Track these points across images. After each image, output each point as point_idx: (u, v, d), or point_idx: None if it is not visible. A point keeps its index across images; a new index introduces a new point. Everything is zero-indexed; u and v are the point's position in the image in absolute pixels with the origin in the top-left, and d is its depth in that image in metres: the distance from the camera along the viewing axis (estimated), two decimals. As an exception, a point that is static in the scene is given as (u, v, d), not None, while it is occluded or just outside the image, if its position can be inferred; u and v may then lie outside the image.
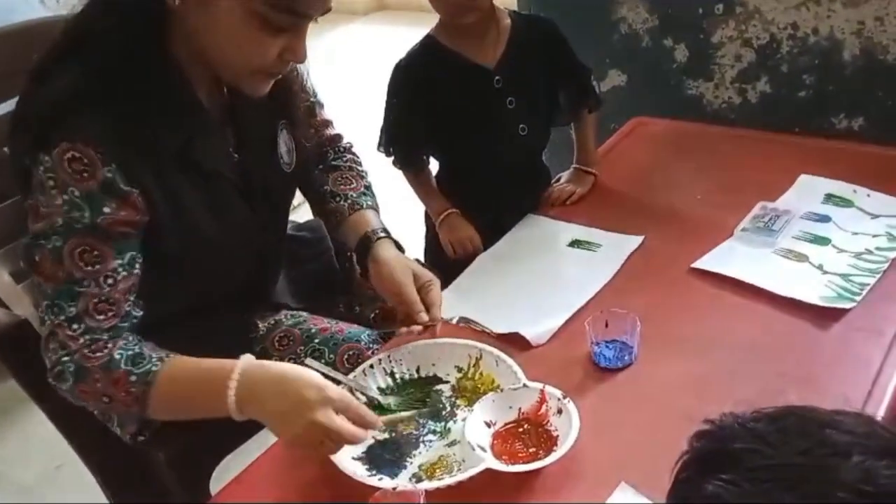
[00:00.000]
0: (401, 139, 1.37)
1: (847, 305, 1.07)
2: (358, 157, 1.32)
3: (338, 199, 1.23)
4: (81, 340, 0.93)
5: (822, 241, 1.21)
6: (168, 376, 0.94)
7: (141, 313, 1.00)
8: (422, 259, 1.48)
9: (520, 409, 0.97)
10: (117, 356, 0.94)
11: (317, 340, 1.17)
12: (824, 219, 1.25)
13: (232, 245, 1.08)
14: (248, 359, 0.93)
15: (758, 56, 1.69)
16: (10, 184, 1.02)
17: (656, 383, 1.01)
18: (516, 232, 1.37)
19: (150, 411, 0.96)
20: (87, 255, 0.93)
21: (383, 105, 1.38)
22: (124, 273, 0.96)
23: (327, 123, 1.30)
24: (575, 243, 1.30)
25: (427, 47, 1.34)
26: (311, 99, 1.25)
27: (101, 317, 0.94)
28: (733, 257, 1.20)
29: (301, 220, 1.41)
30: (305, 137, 1.20)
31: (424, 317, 1.09)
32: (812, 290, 1.10)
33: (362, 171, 1.30)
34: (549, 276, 1.24)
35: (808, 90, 1.67)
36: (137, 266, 0.98)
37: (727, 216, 1.29)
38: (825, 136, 1.61)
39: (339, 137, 1.32)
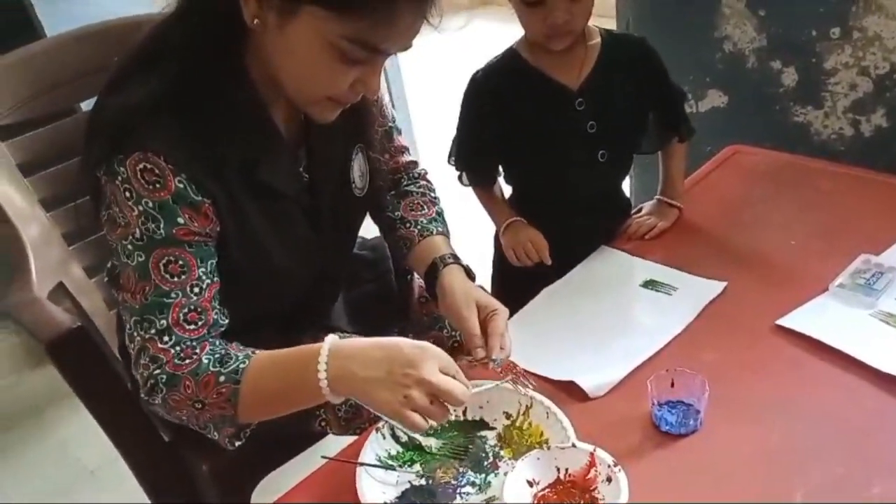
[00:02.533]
0: (470, 154, 1.31)
1: (949, 385, 0.94)
2: (431, 185, 1.28)
3: (408, 224, 1.20)
4: (172, 352, 0.93)
5: (934, 306, 1.07)
6: (255, 371, 0.92)
7: (227, 320, 0.99)
8: (488, 285, 1.43)
9: (566, 470, 0.90)
10: (205, 360, 0.93)
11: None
12: (937, 280, 1.12)
13: (293, 265, 1.06)
14: (333, 337, 0.90)
15: (875, 86, 1.54)
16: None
17: (722, 454, 0.92)
18: (587, 265, 1.28)
19: (242, 410, 0.93)
20: (171, 266, 0.92)
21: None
22: (208, 281, 0.95)
23: (403, 149, 1.27)
24: (649, 284, 1.21)
25: (508, 61, 1.27)
26: (390, 124, 1.22)
27: (192, 326, 0.94)
28: (825, 317, 1.08)
29: (368, 237, 1.38)
30: (381, 162, 1.17)
31: (481, 352, 1.03)
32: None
33: (434, 198, 1.26)
34: (616, 319, 1.15)
35: (930, 128, 1.51)
36: (217, 274, 0.97)
37: (823, 267, 1.16)
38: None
39: (413, 164, 1.29)
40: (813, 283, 1.14)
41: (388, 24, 0.85)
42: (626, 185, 1.84)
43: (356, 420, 1.13)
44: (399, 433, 0.99)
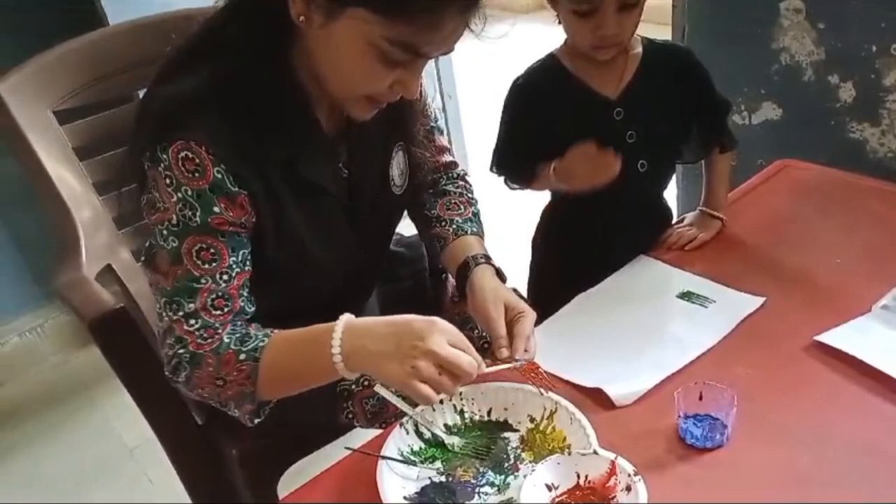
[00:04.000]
0: (514, 159, 1.30)
1: None
2: (470, 185, 1.29)
3: (443, 223, 1.21)
4: (197, 333, 0.96)
5: (979, 333, 1.03)
6: (274, 348, 0.95)
7: (254, 309, 1.02)
8: (524, 289, 1.43)
9: (586, 476, 0.89)
10: (226, 339, 0.96)
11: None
12: (984, 306, 1.07)
13: (330, 259, 1.08)
14: (348, 316, 0.94)
15: (936, 105, 1.49)
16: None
17: (747, 472, 0.90)
18: (624, 273, 1.27)
19: (261, 387, 0.96)
20: (203, 253, 0.95)
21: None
22: (238, 270, 0.98)
23: (443, 150, 1.28)
24: (686, 295, 1.19)
25: (547, 68, 1.26)
26: (431, 124, 1.23)
27: (218, 312, 0.97)
28: (866, 337, 1.05)
29: (406, 234, 1.39)
30: (423, 160, 1.18)
31: (505, 352, 1.03)
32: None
33: (472, 199, 1.27)
34: (649, 328, 1.13)
35: None
36: (248, 264, 1.00)
37: (867, 288, 1.13)
38: None
39: (453, 164, 1.30)
40: (856, 304, 1.11)
41: (432, 30, 0.87)
42: (671, 195, 1.82)
43: (383, 414, 1.14)
44: (422, 429, 1.00)
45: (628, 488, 0.86)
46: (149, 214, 0.98)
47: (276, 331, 0.98)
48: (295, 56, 0.97)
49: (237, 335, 0.97)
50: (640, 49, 1.25)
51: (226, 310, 0.97)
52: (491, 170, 1.33)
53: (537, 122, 1.26)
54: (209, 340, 0.96)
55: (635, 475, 0.85)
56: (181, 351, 0.96)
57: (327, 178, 1.05)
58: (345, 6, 0.86)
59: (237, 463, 1.21)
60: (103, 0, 2.00)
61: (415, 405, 1.03)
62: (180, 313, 0.96)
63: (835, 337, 1.05)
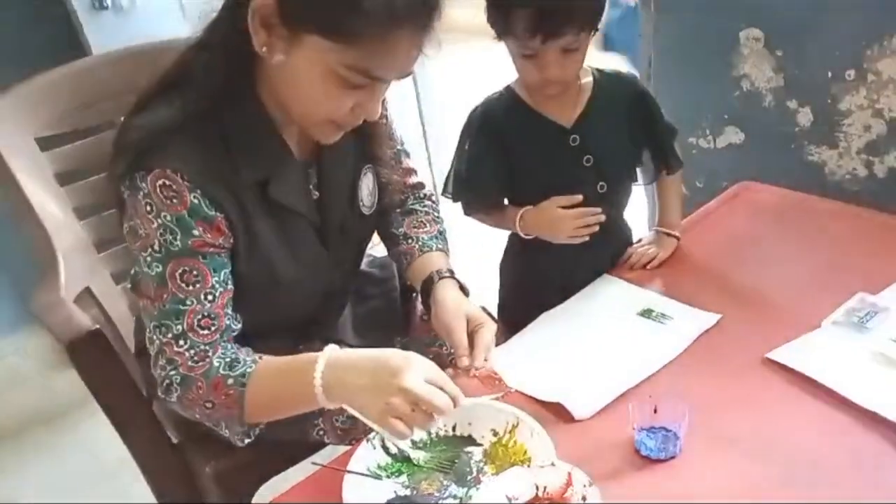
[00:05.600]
0: (473, 186, 1.34)
1: (931, 427, 0.95)
2: (436, 205, 1.34)
3: (410, 241, 1.26)
4: (187, 355, 1.00)
5: (922, 347, 1.08)
6: (260, 376, 0.99)
7: (239, 325, 1.06)
8: (495, 313, 1.47)
9: (545, 488, 0.93)
10: (216, 363, 1.00)
11: (362, 381, 1.16)
12: (928, 322, 1.12)
13: (301, 279, 1.12)
14: (332, 347, 0.97)
15: (889, 129, 1.56)
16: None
17: (698, 482, 0.94)
18: (587, 292, 1.32)
19: (248, 412, 1.01)
20: (186, 276, 0.99)
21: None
22: (221, 289, 1.02)
23: (410, 171, 1.33)
24: (646, 312, 1.24)
25: (505, 98, 1.32)
26: (398, 147, 1.28)
27: (205, 331, 1.01)
28: (815, 353, 1.09)
29: (378, 255, 1.43)
30: (390, 182, 1.23)
31: (465, 361, 1.08)
32: (894, 403, 0.99)
33: (438, 218, 1.32)
34: (610, 345, 1.18)
35: (943, 171, 1.52)
36: (230, 282, 1.04)
37: (820, 304, 1.18)
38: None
39: (420, 185, 1.35)
40: (807, 320, 1.15)
41: (385, 54, 0.91)
42: (645, 211, 1.88)
43: (353, 431, 1.17)
44: (389, 444, 1.03)
45: (584, 498, 0.89)
46: (132, 242, 1.02)
47: (264, 357, 1.02)
48: (261, 84, 1.02)
49: (227, 360, 1.01)
50: (590, 78, 1.31)
51: (213, 328, 1.01)
52: (444, 194, 1.38)
53: (496, 151, 1.31)
54: (200, 364, 1.00)
55: (590, 485, 0.89)
56: (172, 373, 1.00)
57: (298, 199, 1.09)
58: (302, 35, 0.91)
59: (212, 480, 1.24)
60: (86, 28, 2.05)
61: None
62: (169, 335, 1.00)
63: (784, 354, 1.10)
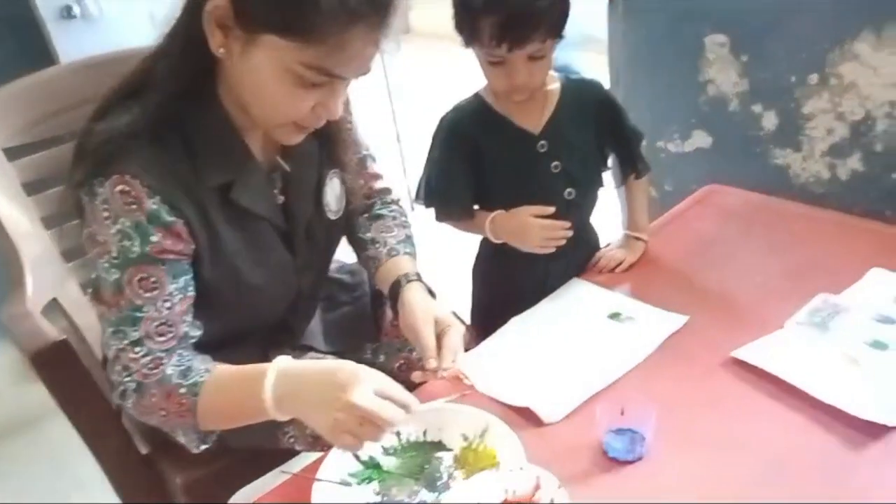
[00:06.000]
0: (444, 192, 1.35)
1: (892, 422, 0.97)
2: (402, 210, 1.34)
3: (377, 245, 1.26)
4: (143, 361, 1.00)
5: (881, 345, 1.10)
6: (212, 385, 1.00)
7: (199, 332, 1.05)
8: (468, 318, 1.48)
9: (514, 491, 0.93)
10: (169, 371, 1.00)
11: (332, 389, 1.17)
12: (888, 320, 1.14)
13: (267, 285, 1.12)
14: (284, 358, 0.97)
15: (851, 132, 1.58)
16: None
17: (666, 482, 0.95)
18: (557, 296, 1.33)
19: (200, 420, 1.01)
20: (144, 283, 0.99)
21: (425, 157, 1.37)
22: (180, 296, 1.01)
23: (377, 176, 1.34)
24: (615, 315, 1.25)
25: (474, 105, 1.33)
26: (364, 152, 1.29)
27: (162, 338, 1.01)
28: (779, 352, 1.11)
29: (349, 262, 1.43)
30: (356, 187, 1.24)
31: (433, 363, 1.08)
32: (857, 399, 1.00)
33: (405, 222, 1.32)
34: (578, 349, 1.19)
35: (903, 173, 1.55)
36: (191, 289, 1.03)
37: (784, 305, 1.20)
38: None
39: (387, 190, 1.35)
40: (772, 320, 1.17)
41: (340, 51, 0.91)
42: (617, 215, 1.89)
43: (322, 440, 1.17)
44: (359, 452, 1.03)
45: (553, 501, 0.90)
46: (90, 248, 1.01)
47: (217, 366, 1.02)
48: (223, 88, 1.02)
49: (181, 368, 1.01)
50: (557, 85, 1.32)
51: (169, 335, 1.01)
52: (416, 200, 1.39)
53: (465, 157, 1.32)
54: (154, 371, 1.00)
55: (559, 488, 0.90)
56: (127, 378, 1.00)
57: (262, 204, 1.09)
58: (259, 35, 0.91)
59: (182, 491, 1.23)
60: (54, 37, 2.04)
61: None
62: (125, 342, 0.99)
63: (749, 353, 1.11)
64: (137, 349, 1.00)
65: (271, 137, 1.09)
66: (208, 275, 1.05)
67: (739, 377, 1.09)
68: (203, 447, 1.12)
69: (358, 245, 1.30)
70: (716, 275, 1.33)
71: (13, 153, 1.32)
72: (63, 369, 1.14)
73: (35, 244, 1.32)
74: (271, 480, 1.17)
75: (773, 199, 1.53)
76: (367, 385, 0.89)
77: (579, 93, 1.33)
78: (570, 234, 1.29)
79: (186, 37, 0.97)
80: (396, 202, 1.35)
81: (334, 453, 1.03)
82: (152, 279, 0.99)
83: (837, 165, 1.63)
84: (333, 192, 1.19)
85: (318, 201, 1.17)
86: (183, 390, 0.99)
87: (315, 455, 1.10)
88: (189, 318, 1.04)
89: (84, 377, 1.18)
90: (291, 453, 1.22)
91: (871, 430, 0.97)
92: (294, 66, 0.92)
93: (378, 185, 1.34)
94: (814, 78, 1.59)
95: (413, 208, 1.39)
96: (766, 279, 1.29)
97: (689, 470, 0.96)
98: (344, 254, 1.36)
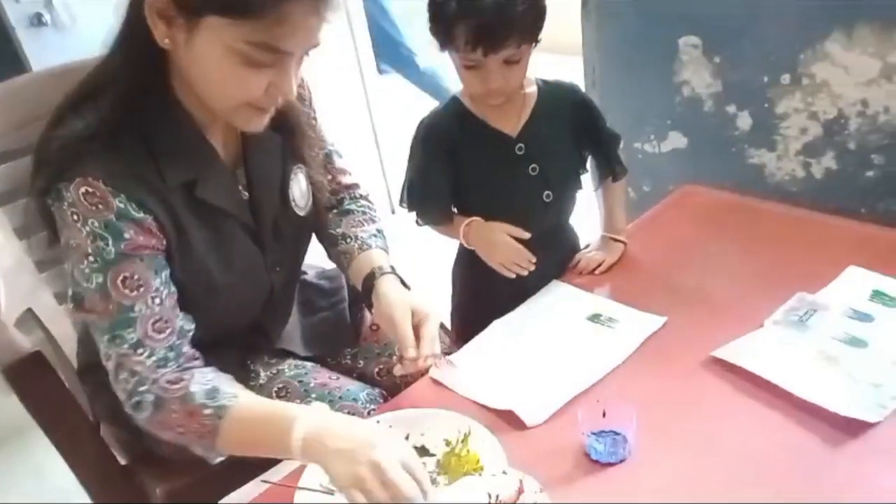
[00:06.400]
0: (424, 196, 1.35)
1: (871, 419, 0.98)
2: (372, 205, 1.34)
3: (348, 240, 1.26)
4: (149, 363, 0.99)
5: (859, 343, 1.11)
6: (238, 413, 0.98)
7: (193, 326, 1.05)
8: (447, 321, 1.48)
9: (497, 496, 0.93)
10: (194, 389, 0.99)
11: (313, 396, 1.17)
12: (865, 318, 1.16)
13: (238, 283, 1.11)
14: (317, 405, 0.99)
15: (824, 131, 1.60)
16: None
17: (648, 483, 0.95)
18: (537, 299, 1.33)
19: (220, 444, 0.99)
20: (128, 282, 0.98)
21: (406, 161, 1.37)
22: (166, 291, 1.01)
23: (344, 172, 1.34)
24: (594, 317, 1.25)
25: (452, 109, 1.33)
26: (329, 147, 1.29)
27: (161, 335, 1.00)
28: (758, 350, 1.12)
29: (328, 267, 1.43)
30: (321, 183, 1.24)
31: (412, 352, 1.08)
32: (836, 396, 1.01)
33: (375, 217, 1.32)
34: (559, 351, 1.19)
35: (876, 170, 1.57)
36: (172, 284, 1.03)
37: (761, 304, 1.21)
38: (891, 223, 1.50)
39: (355, 185, 1.35)
40: (750, 319, 1.18)
41: (282, 25, 0.90)
42: (595, 216, 1.90)
43: None
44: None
45: (535, 504, 0.90)
46: (69, 258, 1.00)
47: (241, 394, 1.00)
48: (177, 84, 1.01)
49: (206, 387, 0.99)
50: (534, 88, 1.32)
51: (167, 331, 1.00)
52: (401, 204, 1.38)
53: (443, 162, 1.32)
54: (176, 387, 0.99)
55: (541, 491, 0.90)
56: (142, 389, 0.98)
57: (227, 200, 1.08)
58: (199, 17, 0.91)
59: (163, 502, 1.22)
60: (25, 45, 2.01)
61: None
62: (125, 346, 0.98)
63: (729, 352, 1.12)
64: (140, 350, 0.98)
65: (232, 133, 1.09)
66: (179, 276, 1.04)
67: (719, 377, 1.10)
68: (219, 459, 1.10)
69: (329, 241, 1.30)
70: (694, 275, 1.34)
71: (-16, 162, 1.30)
72: (37, 382, 1.13)
73: (8, 255, 1.30)
74: (253, 489, 1.17)
75: (748, 199, 1.55)
76: (396, 451, 0.88)
77: (556, 95, 1.33)
78: (532, 268, 1.29)
79: (132, 35, 0.96)
80: (365, 197, 1.35)
81: (316, 461, 1.02)
82: (135, 276, 0.98)
83: (812, 164, 1.66)
84: (299, 188, 1.19)
85: (283, 197, 1.16)
86: (208, 411, 0.97)
87: (296, 463, 1.09)
88: (179, 311, 1.03)
89: (59, 389, 1.17)
90: (272, 461, 1.21)
91: (851, 428, 0.97)
92: (238, 45, 0.91)
93: (346, 180, 1.34)
94: (786, 78, 1.61)
95: (394, 211, 1.39)
96: (743, 278, 1.30)
97: (672, 470, 0.96)
98: (322, 259, 1.35)
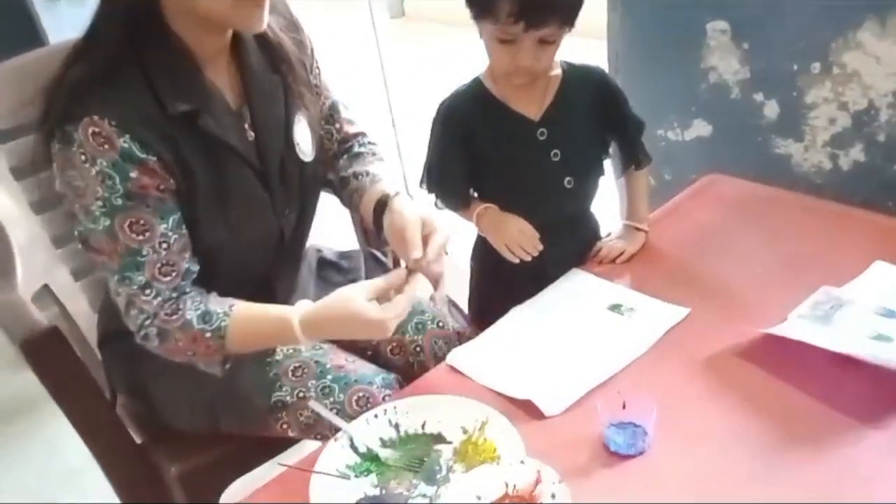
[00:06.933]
0: (441, 180, 1.33)
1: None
2: (380, 149, 1.37)
3: (359, 177, 1.29)
4: (156, 302, 1.07)
5: (885, 339, 1.09)
6: (237, 327, 1.09)
7: (198, 267, 1.11)
8: (465, 306, 1.46)
9: (514, 485, 0.92)
10: (189, 316, 1.07)
11: (329, 377, 1.16)
12: (891, 314, 1.13)
13: (246, 225, 1.14)
14: (303, 305, 1.10)
15: (854, 122, 1.57)
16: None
17: (668, 477, 0.94)
18: (556, 287, 1.31)
19: (227, 354, 1.11)
20: (135, 227, 1.03)
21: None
22: (174, 235, 1.06)
23: (351, 122, 1.37)
24: (615, 307, 1.23)
25: (473, 91, 1.30)
26: (333, 98, 1.32)
27: (167, 278, 1.07)
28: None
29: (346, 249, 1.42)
30: (329, 131, 1.32)
31: (417, 253, 1.09)
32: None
33: (383, 158, 1.35)
34: (579, 341, 1.17)
35: (906, 164, 1.53)
36: (183, 227, 1.08)
37: (785, 297, 1.18)
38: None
39: (363, 133, 1.38)
40: (773, 312, 1.16)
41: None
42: (616, 204, 1.87)
43: (317, 426, 1.16)
44: (357, 444, 1.02)
45: (553, 496, 0.89)
46: (74, 199, 1.04)
47: (234, 306, 1.09)
48: (172, 18, 1.03)
49: (198, 312, 1.08)
50: (559, 71, 1.29)
51: (173, 275, 1.07)
52: (420, 185, 1.36)
53: (464, 144, 1.29)
54: (174, 317, 1.07)
55: (559, 482, 0.89)
56: (147, 323, 1.07)
57: (233, 135, 1.10)
58: None
59: (177, 482, 1.22)
60: (42, 18, 2.00)
61: (349, 420, 1.05)
62: (134, 287, 1.06)
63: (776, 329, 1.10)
64: (147, 291, 1.06)
65: (234, 75, 1.12)
66: (188, 215, 1.08)
67: (741, 372, 1.08)
68: (227, 367, 1.15)
69: (341, 184, 1.32)
70: (716, 266, 1.31)
71: (0, 137, 1.29)
72: (54, 357, 1.13)
73: (24, 230, 1.29)
74: (267, 471, 1.17)
75: (773, 190, 1.52)
76: (364, 303, 1.04)
77: (581, 80, 1.30)
78: (536, 254, 1.27)
79: None
80: (373, 142, 1.37)
81: (331, 446, 1.01)
82: (141, 222, 1.03)
83: (839, 156, 1.62)
84: (302, 133, 1.21)
85: (288, 140, 1.18)
86: (208, 335, 1.07)
87: (312, 446, 1.09)
88: (187, 254, 1.09)
89: (75, 365, 1.17)
90: (284, 440, 1.21)
91: (876, 422, 0.96)
92: None
93: (353, 129, 1.37)
94: (816, 67, 1.57)
95: (412, 196, 1.38)
96: (766, 270, 1.28)
97: (692, 464, 0.95)
98: (338, 241, 1.35)
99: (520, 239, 1.27)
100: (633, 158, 1.37)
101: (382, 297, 1.07)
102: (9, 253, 1.23)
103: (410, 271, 1.12)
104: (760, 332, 1.10)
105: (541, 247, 1.27)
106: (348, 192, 1.30)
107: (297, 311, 1.08)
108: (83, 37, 1.06)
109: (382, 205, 1.20)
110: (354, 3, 2.78)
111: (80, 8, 2.05)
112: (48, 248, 1.35)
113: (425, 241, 1.11)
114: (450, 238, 1.14)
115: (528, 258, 1.27)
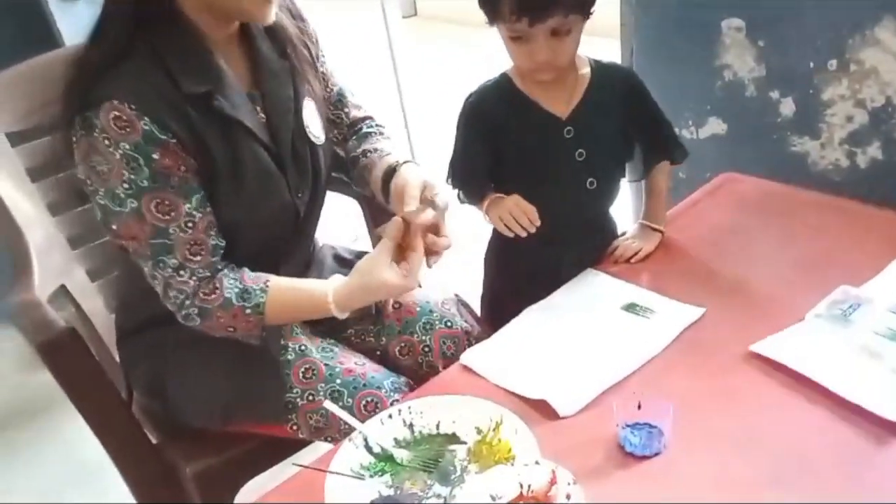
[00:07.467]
0: (465, 174, 1.32)
1: (915, 418, 0.95)
2: (386, 129, 1.40)
3: (369, 154, 1.33)
4: (192, 282, 1.11)
5: (904, 338, 1.08)
6: (275, 305, 1.14)
7: (224, 243, 1.14)
8: (478, 306, 1.46)
9: (529, 486, 0.92)
10: (227, 294, 1.12)
11: (338, 381, 1.17)
12: (911, 314, 1.12)
13: (266, 206, 1.17)
14: (336, 280, 1.17)
15: (871, 119, 1.55)
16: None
17: (683, 478, 0.93)
18: (571, 287, 1.30)
19: (267, 327, 1.16)
20: (161, 207, 1.06)
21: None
22: (199, 214, 1.09)
23: (358, 107, 1.41)
24: (630, 307, 1.23)
25: (499, 86, 1.28)
26: (339, 85, 1.36)
27: (198, 258, 1.10)
28: (798, 345, 1.09)
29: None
30: (338, 116, 1.36)
31: (413, 206, 1.13)
32: (879, 396, 0.98)
33: (390, 136, 1.38)
34: (594, 340, 1.16)
35: (924, 162, 1.52)
36: (207, 205, 1.11)
37: (803, 297, 1.17)
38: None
39: (370, 117, 1.41)
40: (791, 312, 1.15)
41: None
42: (630, 204, 1.87)
43: (327, 429, 1.16)
44: (371, 444, 1.02)
45: (568, 497, 0.88)
46: (99, 185, 1.06)
47: (269, 283, 1.14)
48: (183, 3, 1.06)
49: (236, 290, 1.12)
50: (587, 70, 1.28)
51: (203, 253, 1.11)
52: (447, 181, 1.36)
53: (489, 140, 1.28)
54: (213, 297, 1.11)
55: (574, 483, 0.88)
56: (187, 303, 1.11)
57: (246, 116, 1.13)
58: None
59: (192, 482, 1.22)
60: (58, 20, 2.01)
61: (362, 420, 1.05)
62: (168, 270, 1.10)
63: (768, 347, 1.09)
64: (182, 272, 1.10)
65: (243, 59, 1.16)
66: (207, 194, 1.10)
67: (759, 370, 1.07)
68: (264, 334, 1.18)
69: (351, 164, 1.36)
70: (732, 265, 1.30)
71: (17, 138, 1.31)
72: (71, 358, 1.13)
73: (41, 231, 1.30)
74: (282, 471, 1.17)
75: (789, 188, 1.50)
76: (386, 272, 1.12)
77: (610, 79, 1.29)
78: (532, 230, 1.22)
79: None
80: (381, 124, 1.41)
81: (346, 446, 1.01)
82: (167, 202, 1.06)
83: (857, 153, 1.61)
84: (311, 116, 1.23)
85: (298, 122, 1.21)
86: (248, 311, 1.12)
87: (326, 446, 1.09)
88: (213, 231, 1.12)
89: (92, 366, 1.17)
90: (300, 443, 1.21)
91: (893, 427, 0.94)
92: None
93: (360, 113, 1.40)
94: (833, 64, 1.56)
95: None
96: (783, 270, 1.27)
97: (708, 467, 0.94)
98: (349, 241, 1.35)
99: (515, 210, 1.22)
100: (664, 154, 1.35)
101: (397, 255, 1.14)
102: (26, 255, 1.24)
103: (407, 224, 1.15)
104: (750, 349, 1.09)
105: (538, 221, 1.22)
106: (358, 171, 1.34)
107: (331, 286, 1.14)
108: (95, 24, 1.08)
109: (389, 175, 1.24)
110: (367, 3, 2.78)
111: (95, 8, 2.06)
112: (64, 249, 1.36)
113: (425, 201, 1.15)
114: (449, 204, 1.19)
115: (524, 233, 1.23)
